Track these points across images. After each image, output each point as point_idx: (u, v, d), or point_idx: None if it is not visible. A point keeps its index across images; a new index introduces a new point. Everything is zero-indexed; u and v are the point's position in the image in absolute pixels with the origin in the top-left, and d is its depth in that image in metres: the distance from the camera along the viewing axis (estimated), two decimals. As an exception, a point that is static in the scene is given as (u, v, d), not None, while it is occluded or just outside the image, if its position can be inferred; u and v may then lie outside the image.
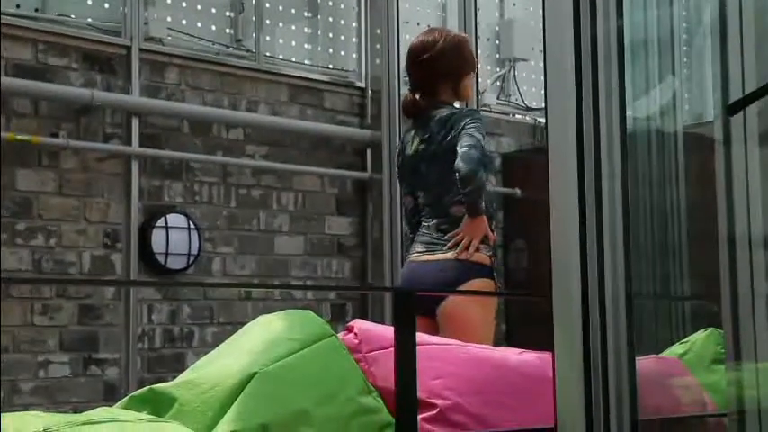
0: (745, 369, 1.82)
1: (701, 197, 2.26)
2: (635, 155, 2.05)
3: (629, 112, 1.93)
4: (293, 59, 5.91)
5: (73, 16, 5.03)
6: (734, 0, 1.86)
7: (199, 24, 5.50)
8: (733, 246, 1.85)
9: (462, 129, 3.43)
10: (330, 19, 6.15)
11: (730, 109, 1.77)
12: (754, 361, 1.79)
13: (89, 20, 5.08)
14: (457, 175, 3.34)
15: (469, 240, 3.41)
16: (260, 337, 2.17)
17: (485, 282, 3.44)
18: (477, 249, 3.44)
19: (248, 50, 5.67)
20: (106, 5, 5.15)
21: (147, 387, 2.10)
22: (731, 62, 1.86)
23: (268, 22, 5.81)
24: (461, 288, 3.43)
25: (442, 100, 3.65)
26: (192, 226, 5.26)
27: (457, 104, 3.78)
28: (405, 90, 6.15)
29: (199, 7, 5.51)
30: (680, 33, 2.36)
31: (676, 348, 2.59)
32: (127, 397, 2.11)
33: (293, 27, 5.97)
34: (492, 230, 3.50)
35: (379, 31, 6.08)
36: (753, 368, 1.80)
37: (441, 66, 3.63)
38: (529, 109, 6.97)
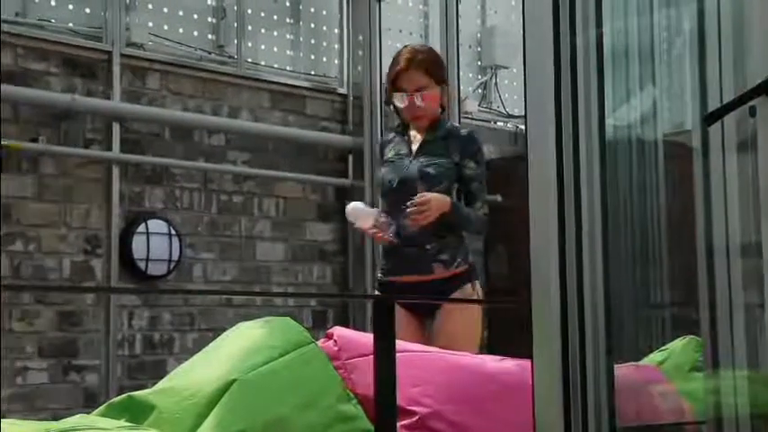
0: (722, 377, 1.83)
1: (680, 205, 2.27)
2: (614, 162, 2.06)
3: (608, 120, 1.94)
4: (275, 65, 5.91)
5: (53, 21, 5.01)
6: (712, 11, 1.87)
7: (181, 30, 5.49)
8: (711, 254, 1.86)
9: None
10: (312, 25, 6.15)
11: (708, 119, 1.78)
12: (732, 369, 1.80)
13: (70, 25, 5.06)
14: None
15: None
16: (239, 345, 2.17)
17: None
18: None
19: (230, 56, 5.66)
20: (87, 10, 5.13)
21: (126, 394, 2.09)
22: (709, 72, 1.87)
23: (250, 28, 5.80)
24: None
25: None
26: (172, 232, 5.24)
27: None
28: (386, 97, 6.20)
29: (181, 13, 5.50)
30: (659, 43, 2.37)
31: (655, 356, 2.59)
32: (105, 404, 2.10)
33: (275, 33, 5.97)
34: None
35: (361, 38, 6.09)
36: (730, 376, 1.81)
37: None
38: (510, 116, 6.99)
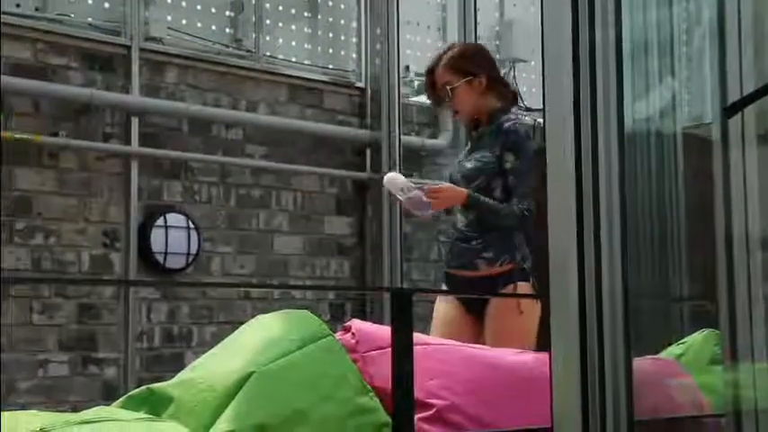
0: (741, 370, 1.82)
1: (699, 198, 2.26)
2: (633, 156, 2.05)
3: (627, 114, 1.93)
4: (293, 59, 5.91)
5: (73, 16, 5.03)
6: (732, 3, 1.86)
7: (199, 24, 5.50)
8: (730, 247, 1.85)
9: None
10: (330, 19, 6.15)
11: (728, 111, 1.77)
12: (751, 362, 1.79)
13: (89, 19, 5.08)
14: None
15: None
16: (257, 337, 2.17)
17: None
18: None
19: (248, 50, 5.67)
20: (106, 5, 5.15)
21: (145, 386, 2.10)
22: (729, 64, 1.86)
23: (268, 21, 5.81)
24: None
25: None
26: (191, 225, 5.26)
27: None
28: (404, 90, 6.21)
29: (199, 7, 5.51)
30: (679, 35, 2.36)
31: (674, 349, 2.59)
32: (124, 396, 2.11)
33: (293, 27, 5.97)
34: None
35: (378, 31, 6.08)
36: (750, 369, 1.80)
37: None
38: (529, 109, 6.96)
